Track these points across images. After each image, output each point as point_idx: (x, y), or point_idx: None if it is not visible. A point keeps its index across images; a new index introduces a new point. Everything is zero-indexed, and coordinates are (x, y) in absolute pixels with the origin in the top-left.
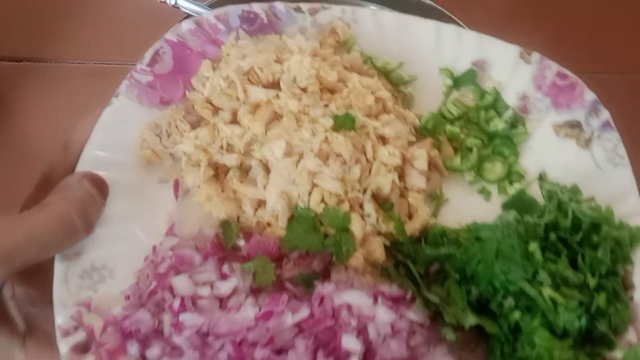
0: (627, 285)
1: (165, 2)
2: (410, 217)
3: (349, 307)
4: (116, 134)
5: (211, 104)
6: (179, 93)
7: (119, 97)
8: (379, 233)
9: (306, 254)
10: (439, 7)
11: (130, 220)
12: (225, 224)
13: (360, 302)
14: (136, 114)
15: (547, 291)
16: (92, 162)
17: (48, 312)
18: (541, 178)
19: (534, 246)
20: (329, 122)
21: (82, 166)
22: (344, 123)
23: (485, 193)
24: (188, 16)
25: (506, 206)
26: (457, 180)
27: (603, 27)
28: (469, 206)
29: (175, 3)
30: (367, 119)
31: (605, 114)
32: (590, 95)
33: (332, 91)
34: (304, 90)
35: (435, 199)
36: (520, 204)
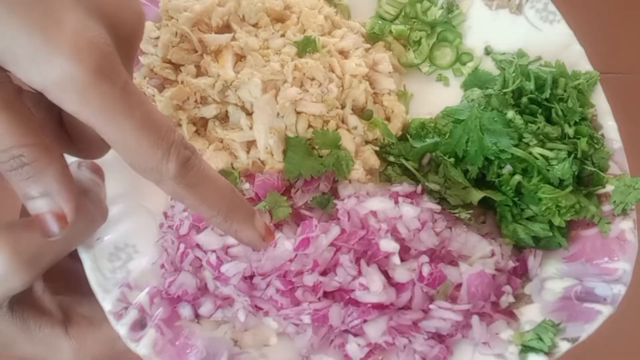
0: (596, 127)
1: None
2: (388, 119)
3: (375, 214)
4: None
5: (169, 62)
6: None
7: None
8: (367, 142)
9: (311, 178)
10: None
11: (132, 195)
12: (224, 173)
13: (383, 206)
14: None
15: (537, 149)
16: None
17: (76, 297)
18: (488, 52)
19: (512, 113)
20: (293, 50)
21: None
22: (306, 46)
23: (443, 79)
24: None
25: (466, 85)
26: (415, 75)
27: (603, 27)
28: (433, 95)
29: None
30: (324, 38)
31: None
32: None
33: (281, 20)
34: (255, 26)
35: (402, 96)
36: (477, 80)
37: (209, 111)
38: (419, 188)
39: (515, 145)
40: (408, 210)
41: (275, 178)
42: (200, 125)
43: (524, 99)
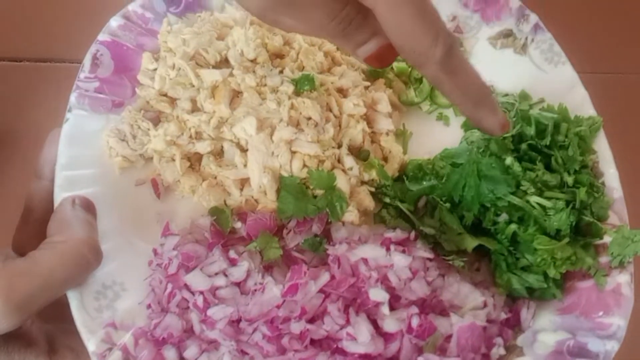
0: (597, 174)
1: None
2: (385, 160)
3: (366, 261)
4: (81, 149)
5: (165, 95)
6: (129, 92)
7: (72, 111)
8: (363, 183)
9: (303, 220)
10: None
11: (122, 231)
12: (216, 211)
13: (374, 253)
14: (93, 123)
15: (534, 198)
16: (67, 183)
17: (63, 327)
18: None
19: (510, 160)
20: (290, 88)
21: (59, 189)
22: (304, 85)
23: (444, 119)
24: None
25: (466, 126)
26: (415, 113)
27: (603, 27)
28: (433, 135)
29: None
30: (323, 76)
31: (533, 18)
32: (515, 2)
33: (280, 56)
34: (253, 61)
35: (401, 135)
36: None
37: (204, 147)
38: (413, 234)
39: (513, 193)
40: (400, 260)
41: (267, 218)
42: (195, 161)
43: (524, 145)
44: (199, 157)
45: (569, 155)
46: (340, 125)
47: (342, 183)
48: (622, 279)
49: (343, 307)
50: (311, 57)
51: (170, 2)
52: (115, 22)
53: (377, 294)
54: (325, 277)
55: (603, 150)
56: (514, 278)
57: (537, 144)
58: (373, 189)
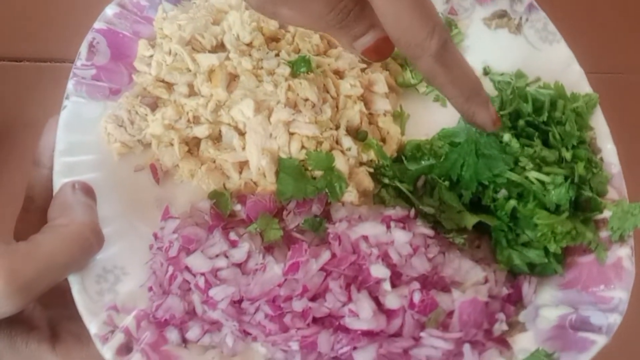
0: (594, 150)
1: None
2: (383, 140)
3: (366, 239)
4: (79, 136)
5: (162, 81)
6: (125, 79)
7: (70, 99)
8: (361, 164)
9: (303, 201)
10: None
11: (122, 216)
12: (216, 194)
13: (375, 231)
14: (91, 110)
15: (533, 174)
16: (67, 169)
17: (66, 312)
18: (486, 72)
19: (508, 136)
20: (287, 70)
21: (58, 176)
22: (300, 67)
23: (440, 100)
24: None
25: None
26: (412, 95)
27: (603, 27)
28: (429, 116)
29: None
30: (319, 58)
31: None
32: None
33: (276, 40)
34: (249, 45)
35: (398, 117)
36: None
37: (202, 131)
38: (413, 212)
39: (511, 170)
40: (400, 236)
41: (267, 200)
42: (193, 145)
43: (521, 122)
44: (197, 141)
45: (567, 131)
46: (337, 107)
47: (340, 164)
48: (622, 253)
49: (344, 284)
50: (307, 39)
51: None
52: (110, 10)
53: (378, 271)
54: (326, 255)
55: (600, 127)
56: (515, 254)
57: (535, 121)
58: (372, 170)
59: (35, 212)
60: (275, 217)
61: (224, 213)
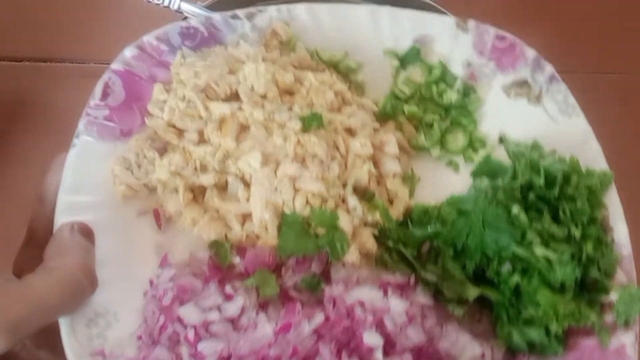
0: (605, 229)
1: (151, 2)
2: (391, 202)
3: (362, 304)
4: (85, 175)
5: (174, 126)
6: (138, 122)
7: (80, 137)
8: (366, 224)
9: (303, 258)
10: (437, 5)
11: (120, 260)
12: (216, 245)
13: (371, 296)
14: (100, 150)
15: (539, 250)
16: (69, 208)
17: (56, 354)
18: (502, 140)
19: (517, 209)
20: (298, 125)
21: (60, 214)
22: (311, 122)
23: (453, 165)
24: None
25: (476, 174)
26: (424, 158)
27: (604, 27)
28: (441, 181)
29: (179, 8)
30: (332, 115)
31: (549, 68)
32: (531, 53)
33: (290, 93)
34: (263, 97)
35: (409, 179)
36: (488, 169)
37: (208, 179)
38: (412, 279)
39: (518, 243)
40: (397, 304)
41: (266, 254)
42: (198, 193)
43: (532, 195)
44: (202, 189)
45: (578, 208)
46: (346, 165)
47: (344, 223)
48: (627, 340)
49: (336, 349)
50: (321, 95)
51: (186, 36)
52: (129, 52)
53: (372, 338)
54: (319, 318)
55: (613, 205)
56: (515, 331)
57: (546, 195)
58: (376, 232)
59: (34, 248)
60: (274, 272)
61: (222, 264)
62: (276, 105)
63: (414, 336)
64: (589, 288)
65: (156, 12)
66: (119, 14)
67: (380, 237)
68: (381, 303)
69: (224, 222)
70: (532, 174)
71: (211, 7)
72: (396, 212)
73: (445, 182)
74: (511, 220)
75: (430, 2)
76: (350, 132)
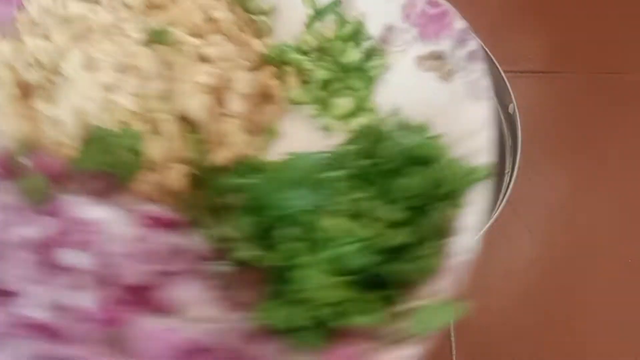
0: (447, 228)
1: None
2: (219, 144)
3: (87, 222)
4: None
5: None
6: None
7: None
8: (186, 160)
9: (92, 173)
10: None
11: None
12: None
13: (103, 215)
14: None
15: (327, 221)
16: None
17: None
18: (392, 114)
19: (339, 173)
20: (140, 36)
21: None
22: (156, 37)
23: (329, 129)
24: None
25: (350, 143)
26: (299, 116)
27: (604, 27)
28: (307, 142)
29: None
30: (186, 36)
31: (473, 44)
32: (460, 24)
33: (161, 8)
34: (128, 5)
35: (267, 132)
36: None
37: (33, 77)
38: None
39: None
40: (129, 232)
41: (57, 162)
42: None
43: (366, 162)
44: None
45: (407, 186)
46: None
47: (151, 149)
48: (407, 352)
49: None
50: (187, 15)
51: None
52: None
53: (71, 257)
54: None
55: (474, 205)
56: (278, 308)
57: (381, 167)
58: (197, 172)
59: None
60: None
61: (10, 163)
62: (131, 14)
63: (129, 272)
64: (392, 285)
65: None
66: None
67: (200, 179)
68: (110, 226)
69: (35, 123)
70: (375, 142)
71: None
72: (221, 156)
73: (311, 145)
74: (319, 182)
75: None
76: (206, 60)
